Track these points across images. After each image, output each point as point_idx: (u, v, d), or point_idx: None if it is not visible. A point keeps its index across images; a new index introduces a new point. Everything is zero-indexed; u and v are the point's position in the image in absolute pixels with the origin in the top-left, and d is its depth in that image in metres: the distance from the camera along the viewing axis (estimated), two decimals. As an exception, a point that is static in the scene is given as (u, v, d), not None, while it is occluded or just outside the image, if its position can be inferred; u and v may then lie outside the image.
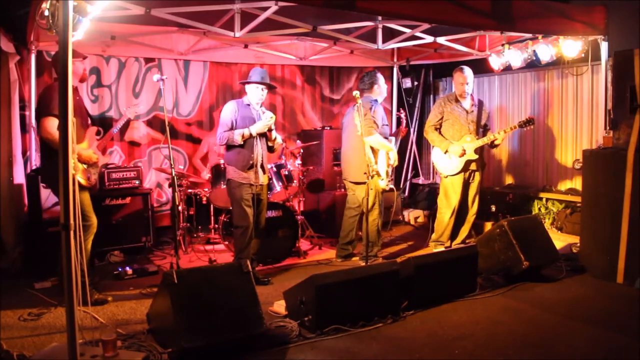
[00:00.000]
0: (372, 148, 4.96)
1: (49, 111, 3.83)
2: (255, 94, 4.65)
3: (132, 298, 4.26)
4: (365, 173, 4.66)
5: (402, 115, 5.79)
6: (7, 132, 4.97)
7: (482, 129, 5.55)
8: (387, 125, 5.26)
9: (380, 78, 5.26)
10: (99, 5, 3.17)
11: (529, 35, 5.61)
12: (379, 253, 5.30)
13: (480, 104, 5.61)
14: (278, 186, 5.39)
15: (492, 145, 5.44)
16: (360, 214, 5.23)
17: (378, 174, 4.95)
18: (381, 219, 5.22)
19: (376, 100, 5.17)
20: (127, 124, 6.11)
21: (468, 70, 5.44)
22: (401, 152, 8.21)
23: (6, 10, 4.84)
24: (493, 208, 6.75)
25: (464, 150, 5.32)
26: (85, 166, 4.07)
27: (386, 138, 5.18)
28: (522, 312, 3.92)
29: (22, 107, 5.40)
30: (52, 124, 3.81)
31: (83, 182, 4.00)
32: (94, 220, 4.10)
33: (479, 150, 5.42)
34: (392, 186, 4.92)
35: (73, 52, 4.01)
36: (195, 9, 4.40)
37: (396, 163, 5.25)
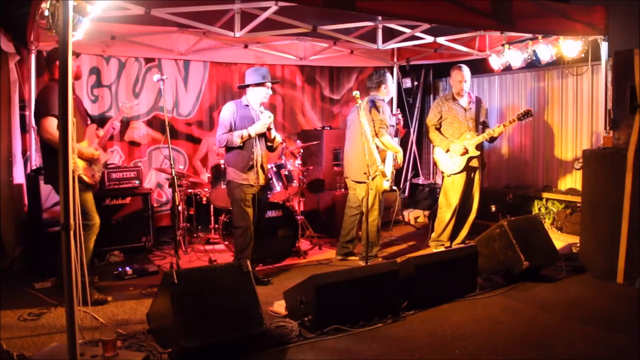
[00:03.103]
0: (378, 148, 4.95)
1: (48, 111, 3.83)
2: (261, 94, 4.59)
3: (132, 298, 4.26)
4: (365, 173, 4.65)
5: (400, 116, 5.69)
6: (7, 132, 4.97)
7: (481, 126, 5.55)
8: (393, 126, 5.24)
9: (389, 78, 5.23)
10: (99, 5, 3.16)
11: (529, 35, 5.61)
12: (379, 253, 5.30)
13: (479, 101, 5.61)
14: (278, 186, 5.38)
15: (492, 139, 5.44)
16: (360, 214, 5.24)
17: (384, 175, 4.93)
18: (380, 219, 5.22)
19: (383, 100, 5.17)
20: (127, 123, 6.13)
21: (466, 69, 5.44)
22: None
23: (6, 10, 4.84)
24: (493, 208, 6.75)
25: (466, 149, 5.32)
26: (88, 164, 4.07)
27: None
28: (522, 312, 3.91)
29: (22, 107, 5.40)
30: (51, 124, 3.81)
31: (87, 179, 4.00)
32: (96, 219, 4.10)
33: (480, 147, 5.44)
34: (394, 187, 4.92)
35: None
36: (195, 9, 4.40)
37: (401, 164, 5.26)
